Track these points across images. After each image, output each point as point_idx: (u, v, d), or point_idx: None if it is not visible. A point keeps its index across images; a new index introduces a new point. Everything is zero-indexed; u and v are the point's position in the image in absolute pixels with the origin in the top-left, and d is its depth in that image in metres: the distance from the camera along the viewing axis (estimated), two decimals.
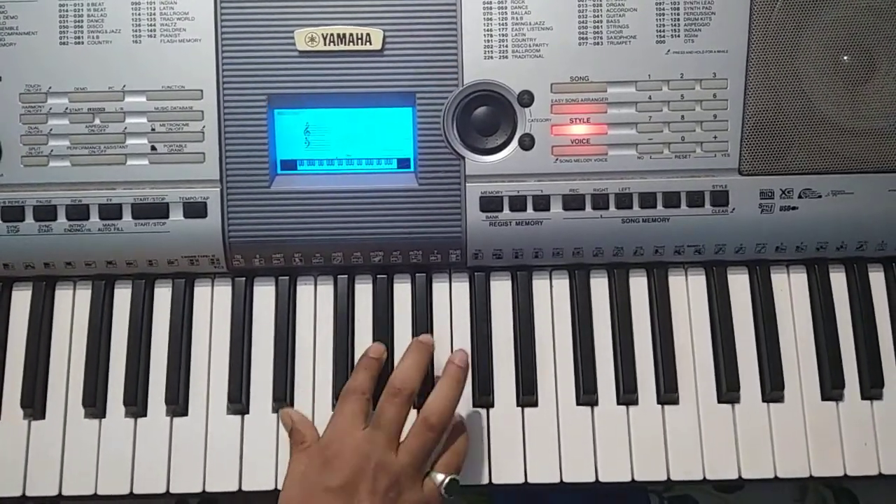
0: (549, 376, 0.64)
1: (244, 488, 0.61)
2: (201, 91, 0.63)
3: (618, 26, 0.63)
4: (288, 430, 0.60)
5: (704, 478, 0.62)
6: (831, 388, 0.63)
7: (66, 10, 0.63)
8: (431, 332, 0.64)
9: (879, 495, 0.72)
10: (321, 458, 0.56)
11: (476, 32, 0.63)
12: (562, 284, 0.66)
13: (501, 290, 0.65)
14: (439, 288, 0.66)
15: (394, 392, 0.58)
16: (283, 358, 0.63)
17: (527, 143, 0.63)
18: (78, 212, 0.63)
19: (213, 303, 0.65)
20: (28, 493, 0.61)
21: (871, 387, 0.63)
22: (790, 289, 0.66)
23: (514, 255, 0.65)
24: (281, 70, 0.63)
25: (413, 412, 0.59)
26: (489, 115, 0.64)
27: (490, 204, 0.63)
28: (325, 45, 0.63)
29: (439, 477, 0.57)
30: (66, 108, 0.62)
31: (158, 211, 0.63)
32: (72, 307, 0.65)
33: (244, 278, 0.65)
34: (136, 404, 0.62)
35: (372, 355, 0.61)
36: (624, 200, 0.63)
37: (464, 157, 0.64)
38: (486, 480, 0.62)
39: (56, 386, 0.63)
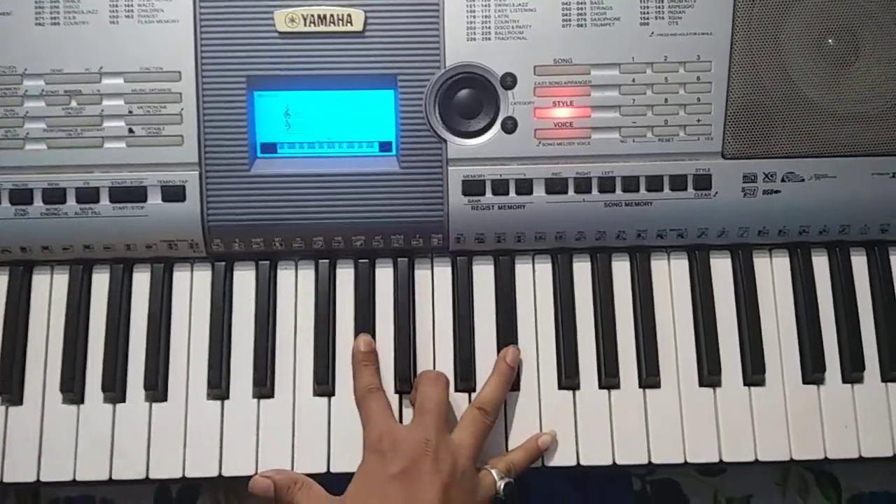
0: (531, 361, 0.63)
1: (224, 474, 0.61)
2: (179, 73, 0.62)
3: (601, 8, 0.63)
4: (272, 493, 0.57)
5: (686, 461, 0.62)
6: (812, 371, 0.63)
7: None
8: (414, 317, 0.64)
9: (860, 478, 0.72)
10: (377, 453, 0.56)
11: (459, 14, 0.62)
12: (544, 269, 0.65)
13: (484, 275, 0.65)
14: (421, 272, 0.65)
15: (435, 376, 0.60)
16: (263, 343, 0.63)
17: (509, 126, 0.63)
18: (55, 195, 0.62)
19: (192, 287, 0.64)
20: (6, 480, 0.61)
21: (852, 370, 0.63)
22: (772, 273, 0.66)
23: (496, 240, 0.64)
24: (260, 51, 0.62)
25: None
26: (472, 97, 0.63)
27: (472, 188, 0.63)
28: (305, 25, 0.62)
29: (497, 473, 0.58)
30: (42, 91, 0.62)
31: (136, 194, 0.62)
32: (49, 292, 0.64)
33: (224, 263, 0.64)
34: (114, 390, 0.62)
35: (364, 349, 0.62)
36: (607, 184, 0.63)
37: (446, 141, 0.63)
38: None
39: (33, 371, 0.62)
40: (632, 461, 0.62)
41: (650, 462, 0.62)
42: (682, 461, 0.62)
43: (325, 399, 0.62)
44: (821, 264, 0.66)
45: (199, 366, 0.63)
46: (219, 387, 0.62)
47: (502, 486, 0.58)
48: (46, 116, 0.62)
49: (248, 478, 0.60)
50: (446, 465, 0.55)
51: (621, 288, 0.65)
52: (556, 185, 0.63)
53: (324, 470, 0.61)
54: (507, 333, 0.63)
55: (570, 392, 0.63)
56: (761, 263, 0.66)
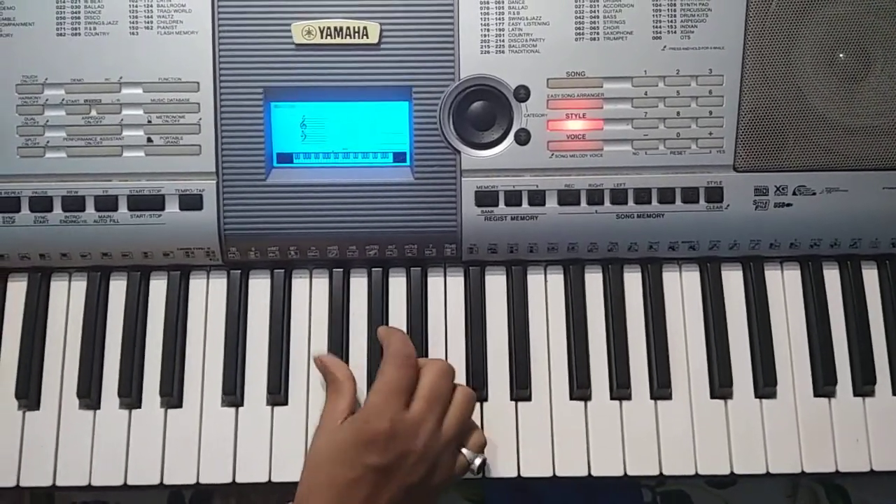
0: (542, 371, 0.64)
1: (238, 480, 0.61)
2: (198, 83, 0.63)
3: (614, 22, 0.63)
4: (322, 372, 0.61)
5: (696, 473, 0.62)
6: (824, 384, 0.63)
7: (64, 1, 0.63)
8: (426, 326, 0.64)
9: (871, 491, 0.72)
10: (366, 435, 0.54)
11: (473, 27, 0.63)
12: (556, 279, 0.66)
13: (496, 285, 0.66)
14: (434, 282, 0.66)
15: (446, 370, 0.58)
16: (277, 350, 0.63)
17: (523, 138, 0.64)
18: (74, 203, 0.63)
19: (208, 295, 0.65)
20: (22, 484, 0.61)
21: (864, 383, 0.63)
22: (784, 285, 0.66)
23: (508, 250, 0.65)
24: (278, 63, 0.63)
25: None
26: (485, 109, 0.64)
27: (485, 198, 0.63)
28: (321, 38, 0.63)
29: (469, 453, 0.58)
30: (63, 100, 0.63)
31: (154, 203, 0.63)
32: (67, 299, 0.65)
33: (239, 271, 0.65)
34: (130, 396, 0.62)
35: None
36: (619, 196, 0.64)
37: (459, 152, 0.64)
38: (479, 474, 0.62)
39: (51, 377, 0.63)
40: (643, 472, 0.62)
41: (661, 473, 0.62)
42: (693, 473, 0.62)
43: None
44: (832, 277, 0.66)
45: (213, 373, 0.63)
46: (233, 394, 0.63)
47: (477, 466, 0.58)
48: (66, 125, 0.63)
49: (261, 485, 0.61)
50: (428, 461, 0.55)
51: (633, 299, 0.65)
52: (568, 197, 0.64)
53: None
54: (518, 343, 0.64)
55: (582, 403, 0.63)
56: (773, 276, 0.66)
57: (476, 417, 0.62)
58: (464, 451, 0.58)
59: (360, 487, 0.53)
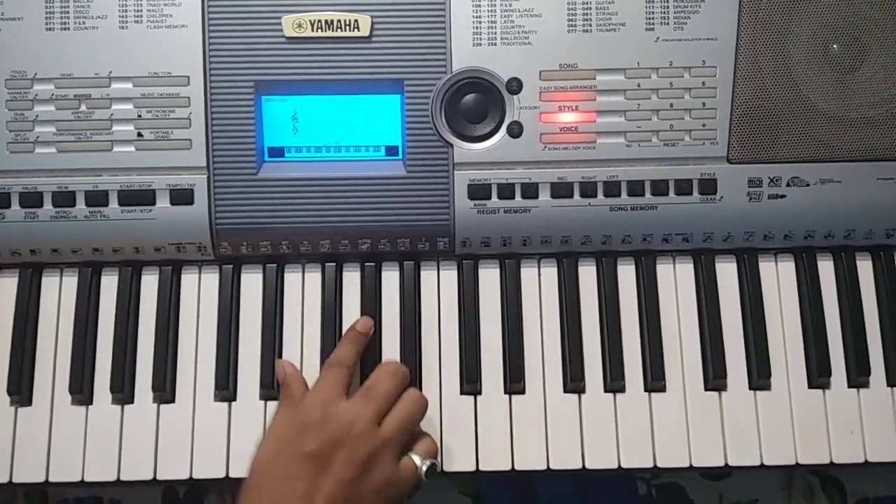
0: (536, 364, 0.64)
1: (231, 475, 0.61)
2: (188, 77, 0.62)
3: (607, 13, 0.63)
4: (280, 382, 0.60)
5: (691, 465, 0.62)
6: (818, 376, 0.63)
7: None
8: (419, 320, 0.64)
9: (865, 483, 0.72)
10: (300, 424, 0.55)
11: (465, 19, 0.63)
12: (550, 272, 0.66)
13: (489, 278, 0.65)
14: (427, 276, 0.65)
15: (394, 371, 0.58)
16: (270, 345, 0.63)
17: (515, 130, 0.63)
18: (64, 198, 0.62)
19: (200, 290, 0.65)
20: (15, 480, 0.61)
21: (858, 375, 0.63)
22: (778, 277, 0.66)
23: (502, 243, 0.65)
24: (268, 56, 0.62)
25: None
26: (477, 102, 0.63)
27: (478, 191, 0.63)
28: (312, 31, 0.62)
29: (418, 459, 0.57)
30: (52, 95, 0.62)
31: (145, 198, 0.62)
32: (58, 294, 0.64)
33: (231, 266, 0.65)
34: (122, 391, 0.62)
35: (360, 329, 0.62)
36: (612, 188, 0.63)
37: (452, 145, 0.63)
38: (472, 467, 0.62)
39: (43, 373, 0.63)
40: (637, 465, 0.62)
41: (655, 465, 0.62)
42: (687, 465, 0.62)
43: None
44: (826, 269, 0.66)
45: (206, 367, 0.63)
46: (226, 388, 0.62)
47: (425, 470, 0.57)
48: (56, 120, 0.62)
49: None
50: (361, 454, 0.54)
51: (627, 292, 0.65)
52: (561, 190, 0.63)
53: None
54: (512, 336, 0.64)
55: (576, 395, 0.63)
56: (767, 268, 0.66)
57: (470, 411, 0.62)
58: (412, 455, 0.57)
59: (296, 482, 0.53)
